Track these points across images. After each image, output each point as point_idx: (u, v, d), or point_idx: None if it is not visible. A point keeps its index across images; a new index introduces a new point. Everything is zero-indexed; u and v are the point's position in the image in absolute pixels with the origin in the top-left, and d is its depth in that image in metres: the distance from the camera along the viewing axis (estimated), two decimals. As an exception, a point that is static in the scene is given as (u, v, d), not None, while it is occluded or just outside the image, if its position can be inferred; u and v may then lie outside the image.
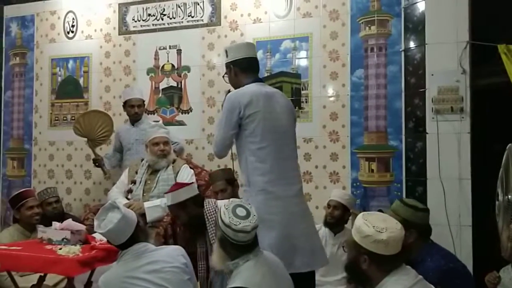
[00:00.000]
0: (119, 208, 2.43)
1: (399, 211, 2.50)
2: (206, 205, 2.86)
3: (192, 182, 3.26)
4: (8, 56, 5.45)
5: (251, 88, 2.75)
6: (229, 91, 2.92)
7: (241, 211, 2.21)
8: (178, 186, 2.99)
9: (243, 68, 2.84)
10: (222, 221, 2.18)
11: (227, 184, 3.58)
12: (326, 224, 3.62)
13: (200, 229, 2.86)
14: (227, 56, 2.88)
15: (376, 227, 1.88)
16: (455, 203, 3.57)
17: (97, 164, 4.55)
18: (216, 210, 2.73)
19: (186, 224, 2.98)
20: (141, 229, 2.50)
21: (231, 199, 2.34)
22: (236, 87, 2.87)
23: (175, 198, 2.88)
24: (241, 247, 2.19)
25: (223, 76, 2.97)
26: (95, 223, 2.48)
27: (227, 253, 2.22)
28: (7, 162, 5.42)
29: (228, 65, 2.88)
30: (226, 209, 2.22)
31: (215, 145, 2.83)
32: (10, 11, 5.46)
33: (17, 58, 5.40)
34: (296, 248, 2.62)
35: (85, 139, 4.56)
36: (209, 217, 2.81)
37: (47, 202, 4.07)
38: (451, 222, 3.52)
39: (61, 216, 3.85)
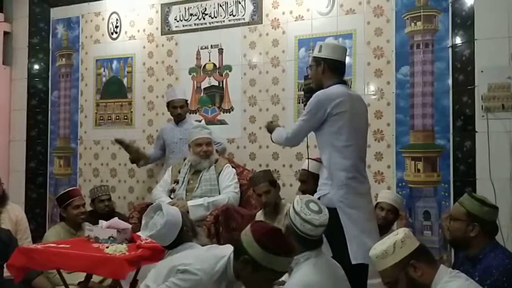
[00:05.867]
0: (164, 212, 2.45)
1: (464, 203, 2.45)
2: None
3: None
4: (55, 57, 5.59)
5: (339, 89, 2.88)
6: (309, 86, 3.07)
7: (314, 206, 2.30)
8: None
9: (333, 68, 2.92)
10: (294, 208, 2.26)
11: (270, 185, 3.57)
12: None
13: None
14: (320, 51, 2.94)
15: None
16: (507, 204, 3.43)
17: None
18: None
19: None
20: (187, 229, 2.51)
21: (306, 195, 2.42)
22: (317, 83, 2.98)
23: None
24: (305, 241, 2.23)
25: (307, 68, 3.05)
26: (143, 221, 2.54)
27: None
28: (54, 160, 5.56)
29: (319, 60, 2.95)
30: (300, 199, 2.30)
31: (292, 134, 2.97)
32: (56, 13, 5.59)
33: (63, 59, 5.53)
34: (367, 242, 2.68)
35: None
36: None
37: (100, 199, 4.18)
38: (502, 223, 3.36)
39: (111, 214, 3.93)
